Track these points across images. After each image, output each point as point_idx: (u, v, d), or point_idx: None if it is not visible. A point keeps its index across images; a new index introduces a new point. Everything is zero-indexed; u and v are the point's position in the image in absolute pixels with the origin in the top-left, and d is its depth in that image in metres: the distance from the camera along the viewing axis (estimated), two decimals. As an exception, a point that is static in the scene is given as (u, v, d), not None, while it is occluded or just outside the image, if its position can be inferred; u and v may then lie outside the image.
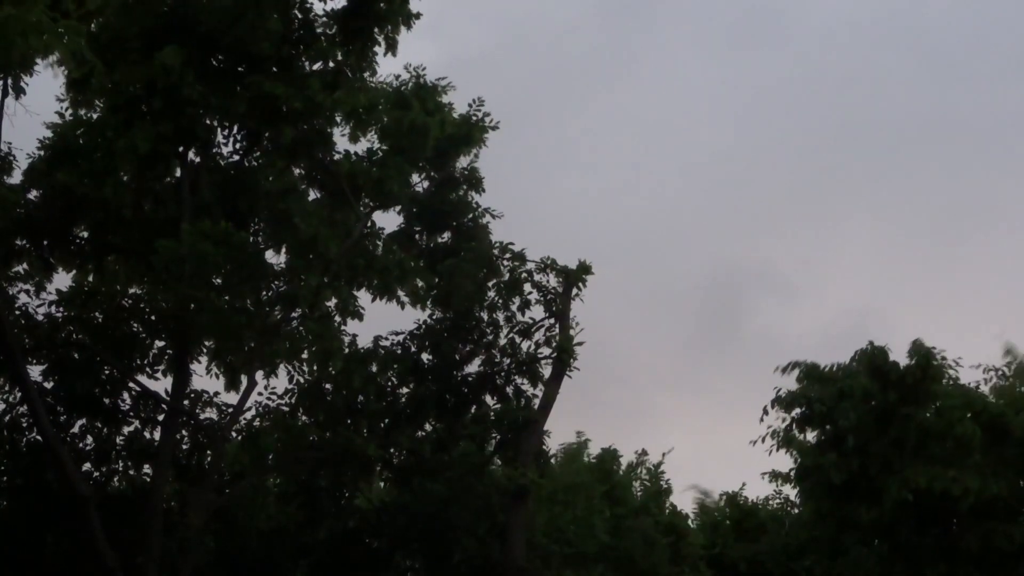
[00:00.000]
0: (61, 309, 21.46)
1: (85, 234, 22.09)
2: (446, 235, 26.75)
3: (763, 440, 25.10)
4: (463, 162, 26.47)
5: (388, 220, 26.07)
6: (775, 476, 26.47)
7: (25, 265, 21.62)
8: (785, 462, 26.59)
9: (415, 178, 25.88)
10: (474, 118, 25.78)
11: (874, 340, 24.43)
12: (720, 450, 53.43)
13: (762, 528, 31.22)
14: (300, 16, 21.27)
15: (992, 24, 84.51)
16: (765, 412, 24.67)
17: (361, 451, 22.35)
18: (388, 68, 24.06)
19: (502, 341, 26.22)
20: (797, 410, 24.86)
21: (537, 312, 26.12)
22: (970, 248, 76.95)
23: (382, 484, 25.70)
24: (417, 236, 26.74)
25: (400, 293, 23.39)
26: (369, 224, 23.73)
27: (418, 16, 21.73)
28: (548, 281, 26.24)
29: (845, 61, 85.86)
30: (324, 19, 21.58)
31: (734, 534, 31.20)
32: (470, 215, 26.60)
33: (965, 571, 23.46)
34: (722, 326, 73.77)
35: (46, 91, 20.23)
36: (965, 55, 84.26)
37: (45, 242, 21.76)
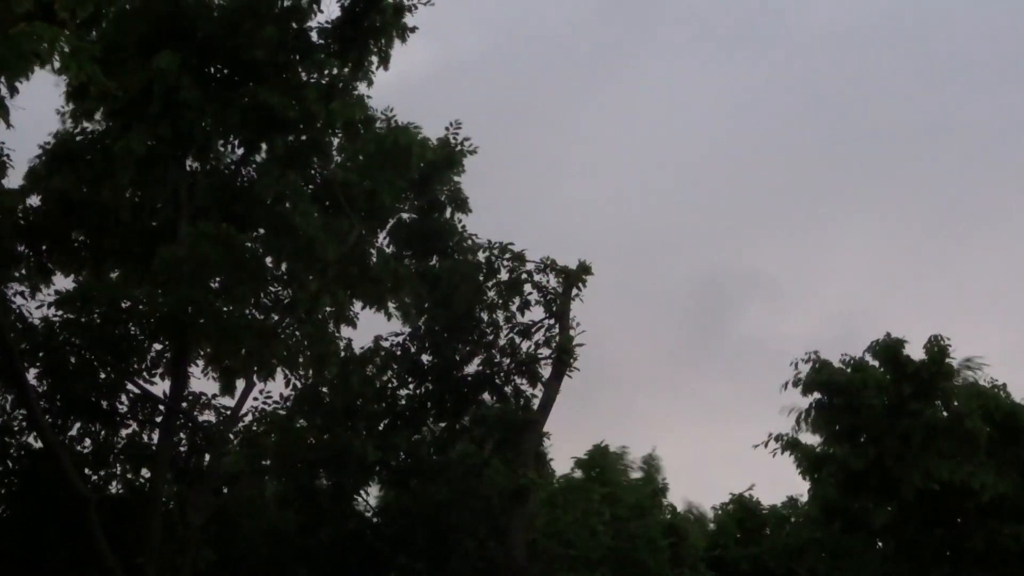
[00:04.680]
0: (59, 312, 21.49)
1: (83, 239, 22.13)
2: (434, 259, 26.67)
3: (765, 445, 25.13)
4: (446, 185, 26.44)
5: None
6: (790, 446, 25.90)
7: (23, 271, 21.67)
8: (789, 466, 26.55)
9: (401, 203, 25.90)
10: (452, 141, 25.77)
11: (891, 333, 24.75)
12: (710, 452, 53.69)
13: (765, 525, 31.17)
14: (296, 26, 21.33)
15: (988, 27, 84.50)
16: (785, 387, 24.76)
17: (359, 453, 22.37)
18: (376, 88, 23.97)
19: (502, 341, 26.19)
20: (815, 395, 24.88)
21: (537, 313, 26.16)
22: (962, 252, 77.16)
23: (379, 488, 25.64)
24: (407, 260, 26.60)
25: (390, 304, 23.42)
26: (364, 233, 23.65)
27: (413, 30, 21.87)
28: (548, 281, 26.27)
29: (837, 65, 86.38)
30: (320, 29, 21.67)
31: (737, 532, 31.19)
32: (456, 239, 26.51)
33: (969, 571, 23.46)
34: (711, 330, 74.12)
35: (43, 96, 20.29)
36: (960, 59, 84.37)
37: (44, 247, 21.83)
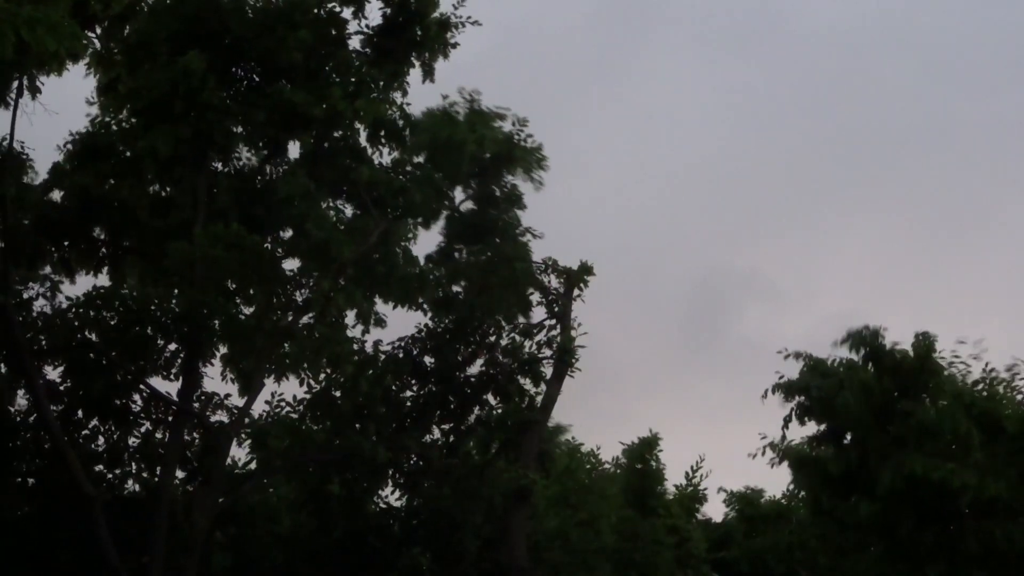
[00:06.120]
0: (76, 311, 21.26)
1: (103, 236, 22.02)
2: (486, 254, 26.20)
3: (763, 453, 25.06)
4: (505, 180, 26.03)
5: (429, 239, 26.03)
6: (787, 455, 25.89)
7: (48, 267, 21.55)
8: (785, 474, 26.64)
9: (458, 195, 25.77)
10: (516, 138, 25.41)
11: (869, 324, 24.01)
12: (709, 452, 53.65)
13: (767, 519, 31.28)
14: (334, 32, 21.26)
15: (988, 27, 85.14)
16: (765, 395, 24.52)
17: (370, 456, 22.31)
18: (438, 88, 23.98)
19: (504, 342, 26.15)
20: (797, 398, 24.79)
21: (538, 313, 26.12)
22: (962, 252, 77.67)
23: (395, 490, 25.54)
24: (457, 254, 26.33)
25: (421, 300, 23.34)
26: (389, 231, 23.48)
27: (455, 46, 21.83)
28: (549, 282, 26.21)
29: (837, 65, 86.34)
30: (358, 35, 21.73)
31: (743, 525, 31.35)
32: (510, 233, 26.08)
33: (966, 571, 23.52)
34: (710, 330, 74.03)
35: (71, 92, 20.23)
36: (960, 59, 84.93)
37: (66, 243, 21.71)
